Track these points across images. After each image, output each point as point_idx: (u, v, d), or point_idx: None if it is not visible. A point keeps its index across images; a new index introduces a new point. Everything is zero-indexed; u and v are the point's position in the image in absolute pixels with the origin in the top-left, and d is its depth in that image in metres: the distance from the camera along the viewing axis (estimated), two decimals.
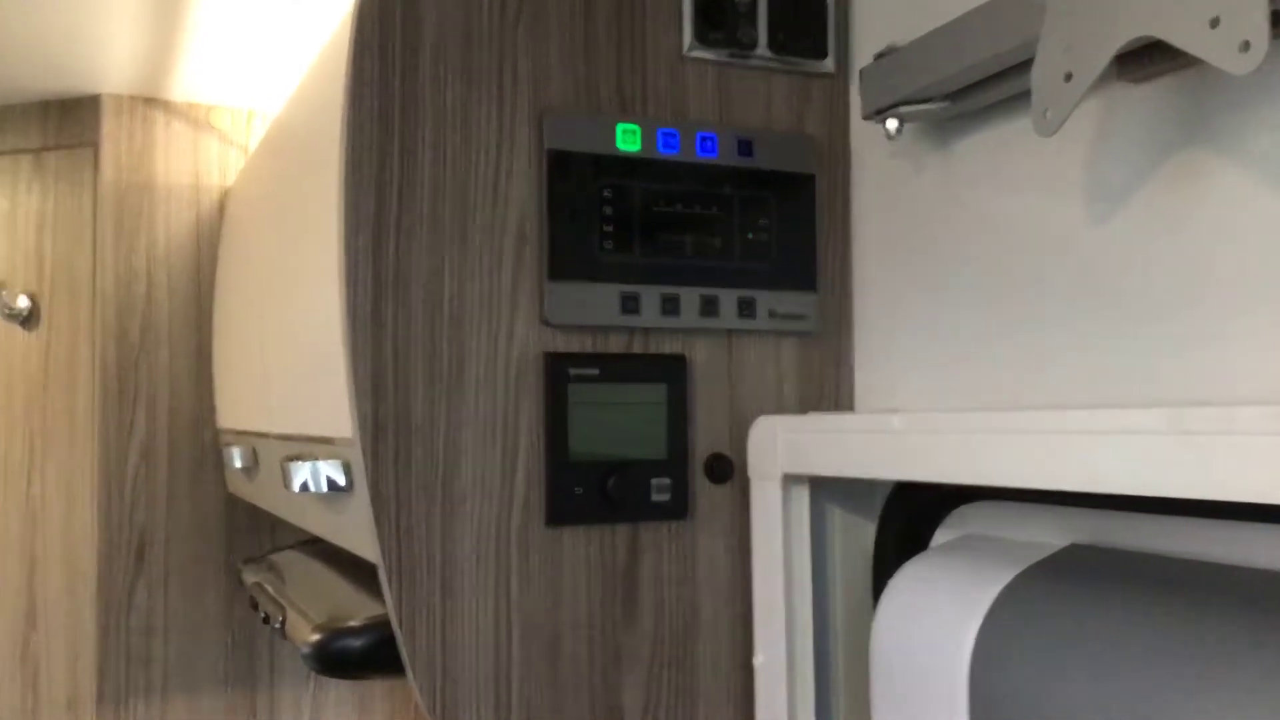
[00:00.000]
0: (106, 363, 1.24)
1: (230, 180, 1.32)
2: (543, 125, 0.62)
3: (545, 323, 0.62)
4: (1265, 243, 0.46)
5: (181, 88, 1.26)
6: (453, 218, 0.60)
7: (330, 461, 0.67)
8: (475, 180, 0.61)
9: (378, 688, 1.35)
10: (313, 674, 1.31)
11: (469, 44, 0.61)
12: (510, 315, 0.61)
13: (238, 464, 1.02)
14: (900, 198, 0.67)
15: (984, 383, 0.60)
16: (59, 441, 1.28)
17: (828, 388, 0.69)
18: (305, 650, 0.62)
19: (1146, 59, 0.50)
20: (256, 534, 1.30)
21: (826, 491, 0.66)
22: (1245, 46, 0.39)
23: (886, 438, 0.54)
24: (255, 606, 0.85)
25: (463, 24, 0.61)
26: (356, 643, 0.61)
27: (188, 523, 1.27)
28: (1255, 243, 0.46)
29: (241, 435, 1.10)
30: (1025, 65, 0.50)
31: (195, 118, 1.30)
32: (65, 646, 1.26)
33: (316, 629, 0.62)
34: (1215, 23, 0.40)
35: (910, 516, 0.63)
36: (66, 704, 1.26)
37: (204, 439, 1.28)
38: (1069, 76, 0.46)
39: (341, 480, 0.65)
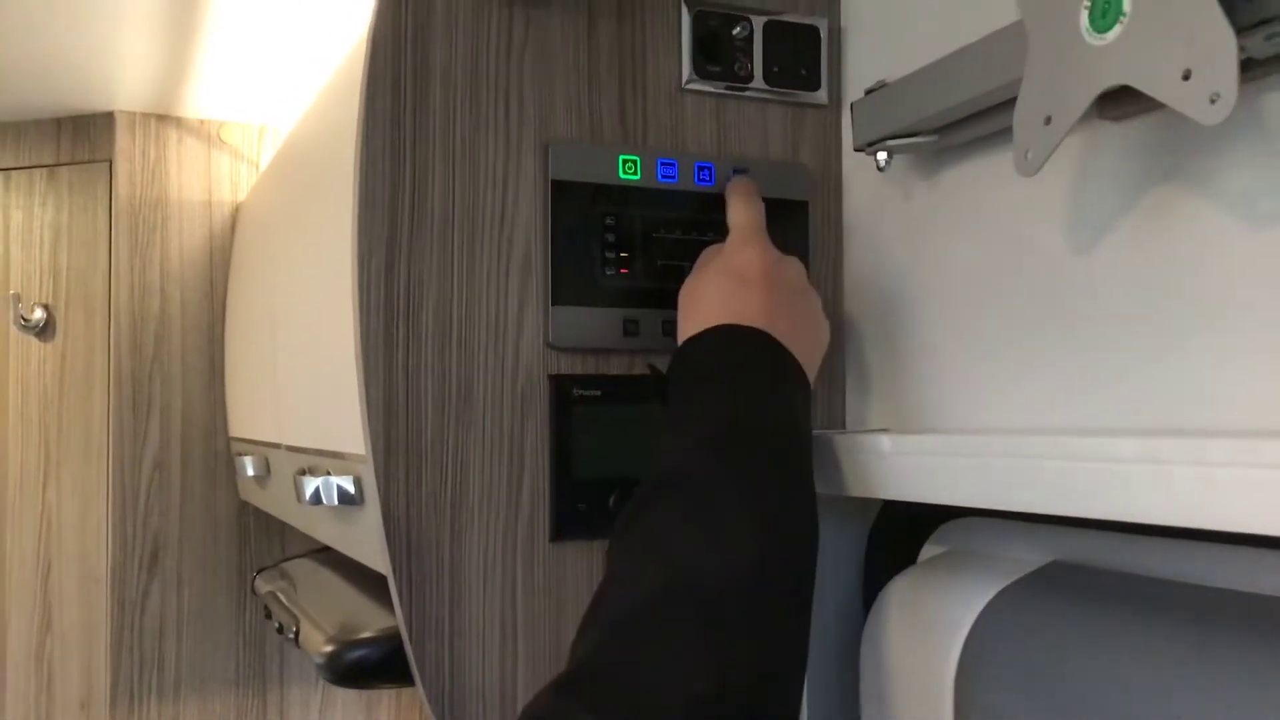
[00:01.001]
0: (120, 373, 1.27)
1: (242, 195, 1.34)
2: (548, 156, 0.65)
3: (550, 345, 0.65)
4: (1237, 275, 0.48)
5: (194, 104, 1.29)
6: (461, 245, 0.63)
7: (342, 476, 0.70)
8: (482, 209, 0.63)
9: (385, 690, 1.38)
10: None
11: (476, 78, 0.63)
12: (516, 338, 0.64)
13: (250, 472, 1.05)
14: (890, 225, 0.69)
15: (970, 404, 0.63)
16: (74, 449, 1.30)
17: (819, 408, 0.72)
18: (319, 661, 0.65)
19: (1126, 99, 0.53)
20: (268, 539, 1.33)
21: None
22: (1215, 98, 0.41)
23: (873, 458, 0.57)
24: (269, 615, 0.87)
25: (470, 59, 0.63)
26: (368, 654, 0.64)
27: (200, 528, 1.30)
28: (1228, 275, 0.48)
29: (254, 445, 1.13)
30: (1010, 103, 0.53)
31: (207, 134, 1.33)
32: (79, 649, 1.29)
33: (330, 640, 0.65)
34: (1187, 75, 0.42)
35: (899, 532, 0.66)
36: (80, 705, 1.29)
37: (216, 447, 1.31)
38: (1049, 120, 0.48)
39: (353, 489, 0.68)
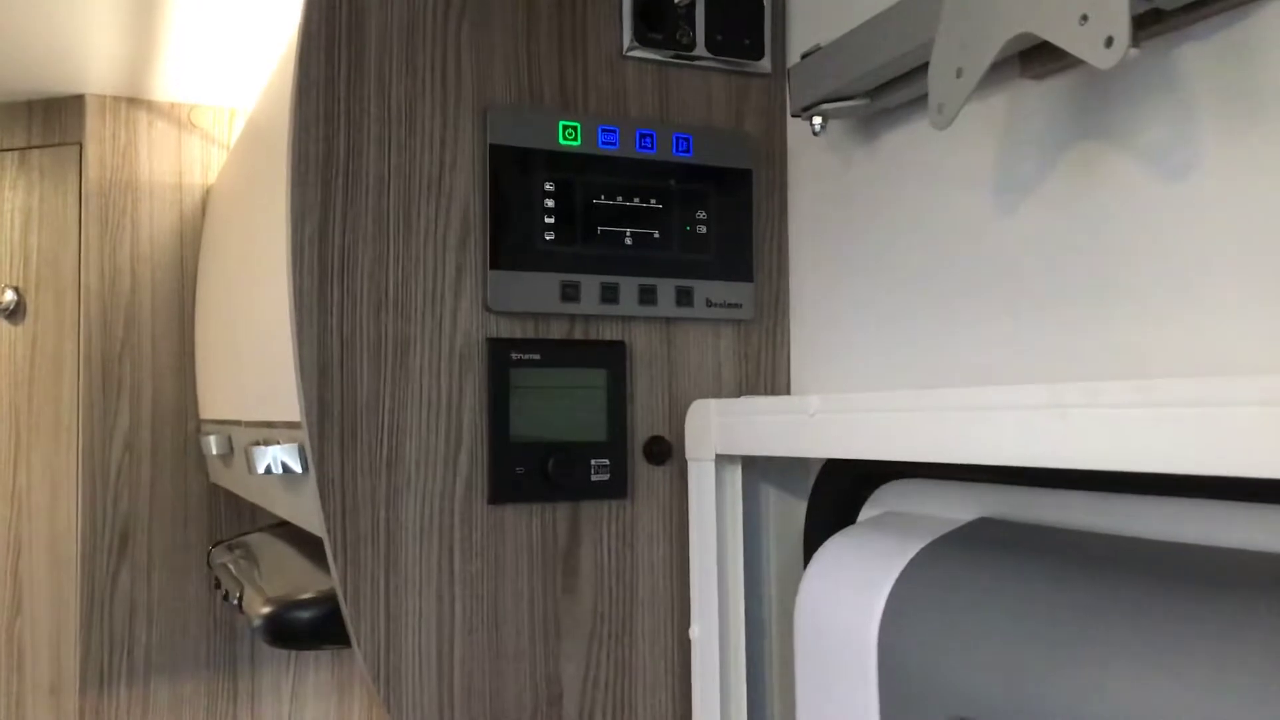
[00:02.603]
0: (91, 356, 1.27)
1: (212, 178, 1.35)
2: (486, 121, 0.65)
3: (488, 309, 0.65)
4: (1152, 228, 0.48)
5: (164, 87, 1.29)
6: (397, 209, 0.63)
7: (286, 445, 0.70)
8: (419, 174, 0.64)
9: (356, 673, 1.38)
10: (293, 659, 1.34)
11: (413, 42, 0.64)
12: (454, 302, 0.64)
13: (214, 451, 1.05)
14: (832, 191, 0.69)
15: (911, 365, 0.63)
16: (44, 432, 1.31)
17: (764, 373, 0.72)
18: (257, 623, 0.65)
19: (1045, 56, 0.53)
20: (238, 521, 1.33)
21: (760, 472, 0.69)
22: (1109, 42, 0.42)
23: (805, 418, 0.57)
24: (218, 585, 0.88)
25: (407, 22, 0.64)
26: (305, 615, 0.64)
27: (170, 511, 1.30)
28: (1143, 228, 0.49)
29: (219, 425, 1.14)
30: None
31: (178, 117, 1.33)
32: (49, 632, 1.29)
33: (268, 602, 0.65)
34: (1084, 20, 0.43)
35: (838, 495, 0.66)
36: (50, 688, 1.29)
37: (186, 430, 1.32)
38: (960, 73, 0.49)
39: (297, 459, 0.68)
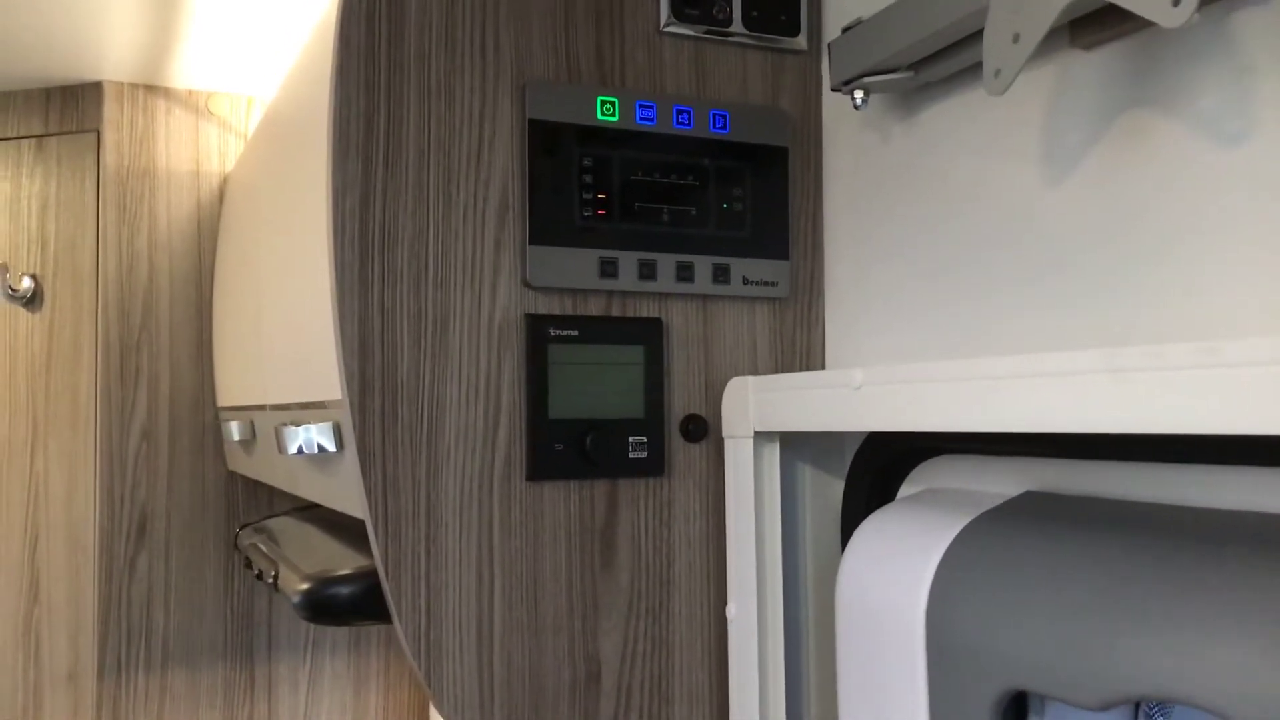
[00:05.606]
0: (109, 344, 1.27)
1: (229, 166, 1.34)
2: (524, 96, 0.65)
3: (527, 285, 0.65)
4: (1205, 196, 0.48)
5: (182, 75, 1.29)
6: (437, 184, 0.63)
7: (319, 424, 0.70)
8: (459, 148, 0.63)
9: (373, 662, 1.38)
10: (310, 648, 1.34)
11: (452, 16, 0.63)
12: (493, 278, 0.64)
13: (235, 437, 1.05)
14: (869, 167, 0.69)
15: (948, 340, 0.63)
16: (62, 420, 1.30)
17: (800, 350, 0.72)
18: (296, 599, 0.65)
19: (1096, 25, 0.53)
20: (255, 508, 1.32)
21: (797, 449, 0.69)
22: (1177, 0, 0.41)
23: (846, 392, 0.57)
24: (249, 565, 0.87)
25: None
26: (344, 590, 0.64)
27: (188, 499, 1.30)
28: (1196, 196, 0.48)
29: (239, 411, 1.13)
30: (981, 35, 0.53)
31: (195, 104, 1.33)
32: (67, 620, 1.29)
33: (306, 578, 0.65)
34: None
35: (876, 472, 0.66)
36: (68, 676, 1.29)
37: (204, 419, 1.31)
38: (1017, 37, 0.49)
39: (331, 438, 0.68)
